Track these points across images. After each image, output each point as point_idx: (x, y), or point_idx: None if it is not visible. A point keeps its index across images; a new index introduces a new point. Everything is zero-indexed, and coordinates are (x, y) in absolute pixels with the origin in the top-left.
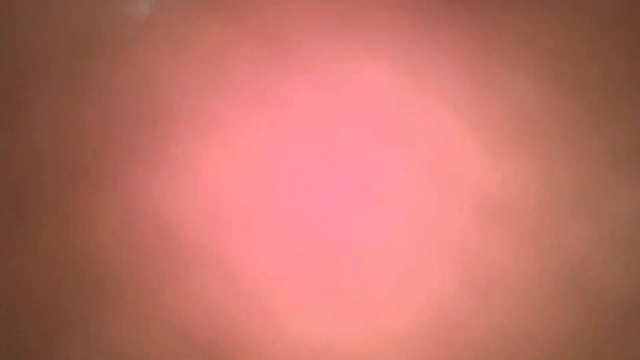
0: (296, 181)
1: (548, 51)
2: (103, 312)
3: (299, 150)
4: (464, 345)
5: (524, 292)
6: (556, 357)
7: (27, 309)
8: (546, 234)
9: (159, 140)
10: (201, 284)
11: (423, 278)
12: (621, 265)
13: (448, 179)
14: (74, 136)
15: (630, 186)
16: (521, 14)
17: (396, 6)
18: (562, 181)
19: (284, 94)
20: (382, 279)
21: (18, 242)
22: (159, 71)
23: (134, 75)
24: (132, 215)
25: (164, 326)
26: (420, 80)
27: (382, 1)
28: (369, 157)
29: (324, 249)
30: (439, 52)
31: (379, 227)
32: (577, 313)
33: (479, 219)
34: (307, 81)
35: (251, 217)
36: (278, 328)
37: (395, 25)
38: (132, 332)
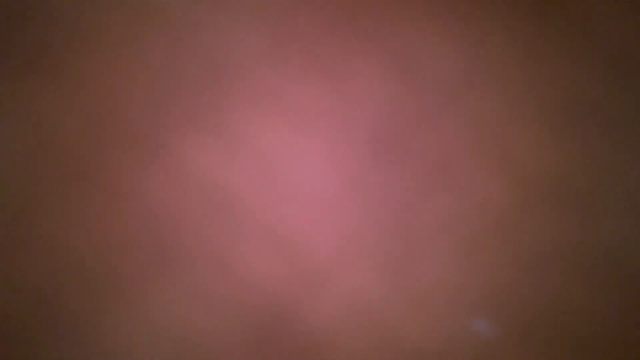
0: (355, 153)
1: (597, 35)
2: (156, 280)
3: (361, 122)
4: (512, 315)
5: (570, 268)
6: (597, 331)
7: (73, 279)
8: (590, 212)
9: (214, 107)
10: (255, 252)
11: (474, 251)
12: None
13: (496, 157)
14: (122, 98)
15: None
16: None
17: None
18: (606, 162)
19: (345, 66)
20: (434, 250)
21: (58, 205)
22: (215, 35)
23: (188, 39)
24: (184, 181)
25: (217, 294)
26: (471, 58)
27: None
28: (424, 131)
29: (380, 222)
30: (492, 31)
31: (430, 202)
32: (619, 290)
33: (526, 196)
34: (369, 52)
35: (310, 188)
36: (330, 296)
37: (452, 3)
38: (186, 300)
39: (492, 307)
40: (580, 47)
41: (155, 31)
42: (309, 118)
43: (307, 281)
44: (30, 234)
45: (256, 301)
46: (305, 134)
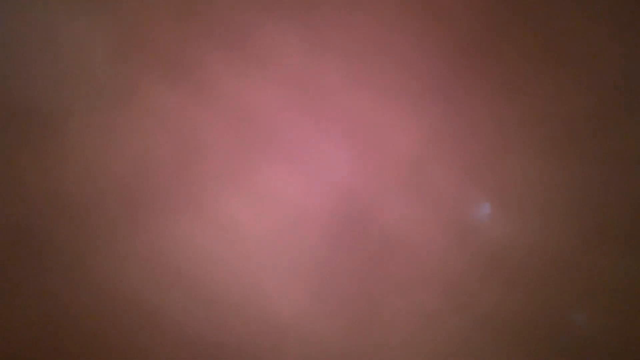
0: (437, 59)
1: None
2: (228, 180)
3: (440, 31)
4: (595, 218)
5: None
6: None
7: (143, 185)
8: None
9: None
10: (331, 149)
11: (558, 154)
12: None
13: (577, 61)
14: (151, 23)
15: None
16: None
17: None
18: None
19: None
20: (515, 150)
21: (91, 125)
22: None
23: None
24: (243, 106)
25: (290, 194)
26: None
27: None
28: (504, 38)
29: (460, 123)
30: None
31: (512, 105)
32: None
33: (611, 100)
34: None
35: (391, 89)
36: (409, 194)
37: None
38: (257, 201)
39: (574, 207)
40: None
41: None
42: (390, 29)
43: (385, 180)
44: (65, 149)
45: (332, 199)
46: (387, 39)
